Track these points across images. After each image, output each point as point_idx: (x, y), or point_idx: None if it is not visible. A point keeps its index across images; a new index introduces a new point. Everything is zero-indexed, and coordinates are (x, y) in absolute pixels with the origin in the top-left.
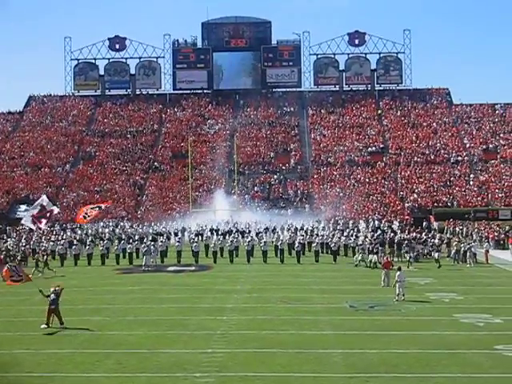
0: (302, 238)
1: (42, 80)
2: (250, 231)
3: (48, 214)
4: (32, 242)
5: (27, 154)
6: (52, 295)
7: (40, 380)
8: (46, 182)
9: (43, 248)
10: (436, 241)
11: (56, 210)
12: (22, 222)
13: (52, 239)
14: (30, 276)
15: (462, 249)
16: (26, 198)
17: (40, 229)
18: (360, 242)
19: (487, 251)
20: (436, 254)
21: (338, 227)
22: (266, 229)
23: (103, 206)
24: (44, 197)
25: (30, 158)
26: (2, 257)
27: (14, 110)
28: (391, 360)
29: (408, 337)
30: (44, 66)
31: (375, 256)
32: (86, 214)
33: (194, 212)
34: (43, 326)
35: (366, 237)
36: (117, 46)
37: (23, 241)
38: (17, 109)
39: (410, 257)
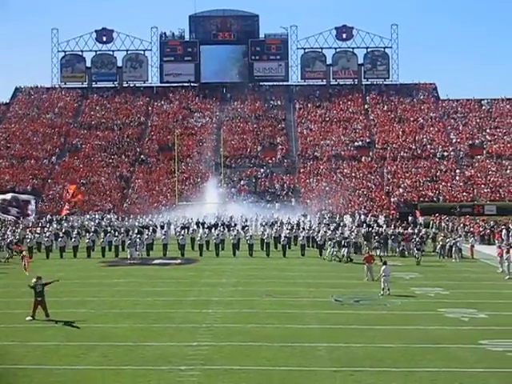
0: (288, 231)
1: (29, 72)
2: (235, 225)
3: (13, 202)
4: (17, 234)
5: (13, 146)
6: (38, 286)
7: (25, 372)
8: (32, 173)
9: (28, 240)
10: (417, 238)
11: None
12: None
13: (37, 231)
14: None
15: (448, 244)
16: (11, 190)
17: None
18: (346, 236)
19: (472, 246)
20: (415, 251)
21: (324, 221)
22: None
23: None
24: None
25: (16, 150)
26: None
27: (0, 101)
28: (376, 354)
29: (393, 331)
30: (31, 58)
31: (346, 249)
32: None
33: (180, 205)
34: (28, 318)
35: (351, 231)
36: (104, 39)
37: (8, 233)
38: (3, 100)
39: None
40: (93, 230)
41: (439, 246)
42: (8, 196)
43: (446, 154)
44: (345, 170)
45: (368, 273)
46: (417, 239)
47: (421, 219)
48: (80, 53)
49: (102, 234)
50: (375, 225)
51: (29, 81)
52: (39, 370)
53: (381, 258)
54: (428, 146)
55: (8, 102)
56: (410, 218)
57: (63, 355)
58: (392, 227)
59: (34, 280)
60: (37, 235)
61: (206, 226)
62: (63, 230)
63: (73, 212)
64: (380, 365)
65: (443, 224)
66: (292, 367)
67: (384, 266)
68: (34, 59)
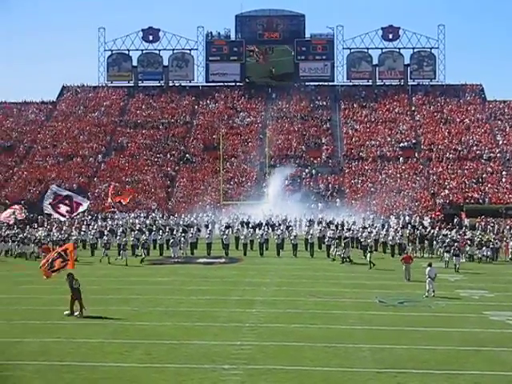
0: (332, 232)
1: (76, 70)
2: (280, 224)
3: (66, 201)
4: (63, 232)
5: (60, 144)
6: (74, 283)
7: (69, 368)
8: (78, 172)
9: (74, 238)
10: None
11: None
12: (45, 211)
13: (83, 229)
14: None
15: (494, 246)
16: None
17: (63, 216)
18: (390, 238)
19: None
20: (454, 258)
21: (369, 222)
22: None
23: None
24: (53, 186)
25: (63, 148)
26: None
27: (47, 99)
28: (420, 356)
29: (437, 333)
30: (78, 57)
31: (345, 250)
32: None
33: (224, 204)
34: (66, 312)
35: (396, 232)
36: (150, 38)
37: (54, 230)
38: (50, 99)
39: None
40: (137, 228)
41: (485, 248)
42: (64, 192)
43: (492, 155)
44: (390, 171)
45: (406, 273)
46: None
47: (466, 221)
48: (126, 52)
49: (147, 232)
50: (420, 226)
51: (76, 79)
52: (83, 367)
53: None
54: (474, 148)
55: (55, 100)
56: (455, 220)
57: (107, 352)
58: (437, 229)
59: (66, 278)
60: (82, 233)
61: (250, 225)
62: (108, 228)
63: (113, 211)
64: (424, 367)
65: (489, 226)
66: (335, 368)
67: (429, 268)
68: (80, 58)
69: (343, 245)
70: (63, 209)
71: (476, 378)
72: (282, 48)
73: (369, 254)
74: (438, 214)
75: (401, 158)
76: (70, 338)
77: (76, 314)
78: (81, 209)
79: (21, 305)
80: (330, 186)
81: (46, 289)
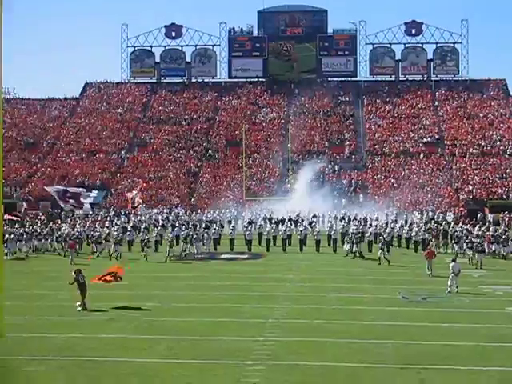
0: (355, 227)
1: (99, 67)
2: (303, 220)
3: (67, 194)
4: (86, 228)
5: (83, 140)
6: (80, 277)
7: (91, 364)
8: (101, 168)
9: (97, 234)
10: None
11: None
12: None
13: (106, 225)
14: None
15: None
16: (81, 184)
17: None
18: (414, 233)
19: None
20: (477, 255)
21: (392, 218)
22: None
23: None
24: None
25: (86, 144)
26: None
27: (70, 96)
28: (443, 352)
29: (460, 329)
30: (101, 53)
31: (356, 245)
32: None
33: (247, 200)
34: (79, 308)
35: (419, 228)
36: (173, 34)
37: (78, 226)
38: (73, 95)
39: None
40: (161, 223)
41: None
42: (60, 188)
43: None
44: (413, 167)
45: (429, 268)
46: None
47: (490, 217)
48: (149, 48)
49: (170, 228)
50: (443, 222)
51: (99, 76)
52: (107, 362)
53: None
54: (498, 143)
55: (78, 96)
56: (478, 216)
57: (130, 348)
58: (460, 224)
59: (73, 273)
60: (105, 229)
61: (273, 221)
62: (131, 224)
63: (136, 206)
64: (447, 363)
65: None
66: (358, 364)
67: (453, 263)
68: (103, 54)
69: (354, 240)
70: (71, 202)
71: (500, 374)
72: (303, 44)
73: (380, 251)
74: (461, 209)
75: (424, 154)
76: (93, 333)
77: (78, 308)
78: (81, 198)
79: (44, 300)
80: (353, 181)
81: (68, 285)
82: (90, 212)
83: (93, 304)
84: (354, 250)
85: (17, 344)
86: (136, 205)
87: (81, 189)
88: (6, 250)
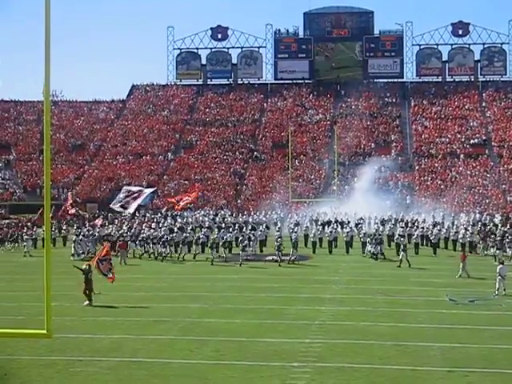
0: (401, 229)
1: (145, 69)
2: (349, 222)
3: (136, 195)
4: (133, 229)
5: (129, 142)
6: (90, 274)
7: (140, 365)
8: (148, 170)
9: (146, 236)
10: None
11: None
12: (112, 206)
13: (152, 226)
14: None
15: None
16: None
17: (130, 213)
18: (461, 235)
19: None
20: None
21: (438, 219)
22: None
23: (190, 198)
24: (129, 187)
25: (132, 146)
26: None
27: (117, 98)
28: (491, 355)
29: (509, 332)
30: (147, 56)
31: (376, 247)
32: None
33: (293, 202)
34: (86, 303)
35: (466, 230)
36: (219, 36)
37: (124, 228)
38: (120, 97)
39: None
40: (207, 225)
41: None
42: (123, 193)
43: None
44: (460, 168)
45: (462, 269)
46: None
47: None
48: (195, 50)
49: (216, 229)
50: (491, 224)
51: (145, 78)
52: (154, 363)
53: (495, 257)
54: None
55: (124, 98)
56: None
57: (177, 349)
58: (508, 226)
59: (86, 267)
60: (152, 230)
61: (319, 223)
62: (178, 226)
63: (186, 208)
64: (495, 366)
65: None
66: (404, 366)
67: (500, 266)
68: (150, 57)
69: (374, 241)
70: (133, 205)
71: None
72: (349, 45)
73: (402, 253)
74: (509, 211)
75: (471, 155)
76: (140, 334)
77: (85, 303)
78: (141, 198)
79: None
80: (400, 183)
81: (116, 286)
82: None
83: (138, 305)
84: (373, 251)
85: (64, 344)
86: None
87: (147, 190)
88: (73, 251)
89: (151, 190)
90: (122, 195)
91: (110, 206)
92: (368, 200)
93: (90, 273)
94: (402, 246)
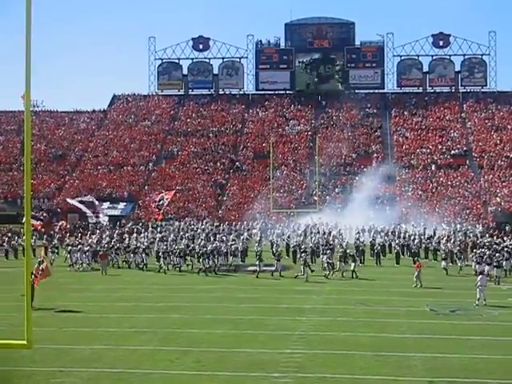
0: (382, 239)
1: (126, 79)
2: (330, 232)
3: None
4: (114, 240)
5: (110, 153)
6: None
7: (120, 376)
8: (129, 180)
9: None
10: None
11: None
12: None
13: (133, 236)
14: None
15: None
16: (108, 196)
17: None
18: (443, 246)
19: None
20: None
21: (419, 230)
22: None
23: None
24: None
25: (114, 157)
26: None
27: (98, 108)
28: (472, 365)
29: (490, 342)
30: (128, 66)
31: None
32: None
33: (274, 212)
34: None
35: (447, 240)
36: (200, 46)
37: (106, 238)
38: (101, 107)
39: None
40: (187, 236)
41: None
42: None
43: None
44: (441, 179)
45: (416, 278)
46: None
47: None
48: (177, 60)
49: (197, 240)
50: (471, 234)
51: (126, 88)
52: (134, 374)
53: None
54: None
55: (106, 109)
56: (507, 228)
57: (158, 360)
58: (487, 236)
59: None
60: (133, 240)
61: (300, 232)
62: (160, 236)
63: (168, 218)
64: (476, 376)
65: None
66: (386, 376)
67: (480, 276)
68: (131, 67)
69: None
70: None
71: None
72: (330, 56)
73: (353, 264)
74: (489, 222)
75: (452, 166)
76: (120, 345)
77: None
78: (96, 207)
79: (72, 312)
80: (381, 193)
81: (96, 296)
82: (105, 223)
83: (121, 316)
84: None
85: (45, 355)
86: (164, 204)
87: (90, 197)
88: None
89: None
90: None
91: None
92: (349, 210)
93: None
94: (350, 257)
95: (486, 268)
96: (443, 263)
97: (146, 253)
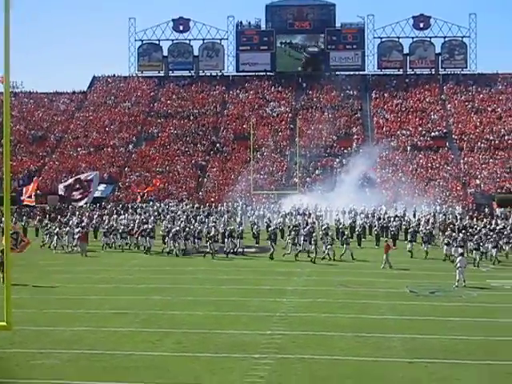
0: (362, 221)
1: (107, 61)
2: (310, 214)
3: (77, 185)
4: (94, 222)
5: (90, 134)
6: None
7: (101, 357)
8: (109, 161)
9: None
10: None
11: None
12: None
13: (113, 218)
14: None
15: None
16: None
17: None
18: (422, 228)
19: None
20: (494, 251)
21: (399, 211)
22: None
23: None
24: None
25: (94, 138)
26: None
27: (78, 89)
28: (451, 346)
29: (469, 323)
30: (108, 47)
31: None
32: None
33: (254, 194)
34: None
35: (426, 222)
36: (181, 28)
37: (85, 220)
38: (81, 89)
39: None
40: (168, 217)
41: None
42: (70, 181)
43: None
44: (421, 161)
45: (385, 260)
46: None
47: (498, 211)
48: (157, 42)
49: (178, 221)
50: (450, 216)
51: (106, 70)
52: (115, 356)
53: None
54: (506, 137)
55: (86, 90)
56: (486, 210)
57: (139, 341)
58: (467, 218)
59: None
60: (113, 222)
61: (280, 214)
62: (140, 217)
63: (148, 200)
64: (455, 357)
65: None
66: (365, 357)
67: (460, 257)
68: (111, 48)
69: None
70: (76, 194)
71: (509, 368)
72: (311, 38)
73: (329, 247)
74: (469, 203)
75: (432, 148)
76: (101, 326)
77: None
78: (93, 184)
79: (52, 294)
80: (361, 175)
81: (77, 278)
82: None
83: (101, 297)
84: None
85: (24, 337)
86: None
87: (93, 173)
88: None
89: (93, 173)
90: (68, 183)
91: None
92: (330, 192)
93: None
94: (327, 239)
95: (456, 250)
96: (423, 246)
97: (126, 235)
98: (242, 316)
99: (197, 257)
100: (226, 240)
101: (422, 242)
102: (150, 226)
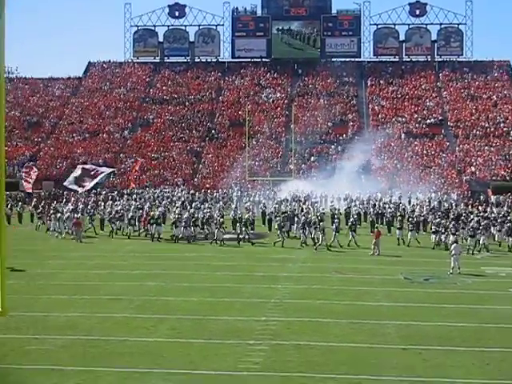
0: (357, 208)
1: (102, 46)
2: (305, 201)
3: (93, 173)
4: (89, 207)
5: (86, 120)
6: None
7: (95, 343)
8: (104, 147)
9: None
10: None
11: (106, 170)
12: (66, 185)
13: (108, 204)
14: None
15: None
16: (83, 164)
17: (88, 191)
18: (416, 214)
19: None
20: (481, 238)
21: (394, 198)
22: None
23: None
24: (84, 166)
25: (89, 124)
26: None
27: (73, 75)
28: (446, 333)
29: (463, 310)
30: (104, 33)
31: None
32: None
33: (249, 180)
34: None
35: (421, 208)
36: (176, 14)
37: (80, 205)
38: (76, 75)
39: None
40: (163, 203)
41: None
42: (78, 171)
43: None
44: (416, 148)
45: (375, 247)
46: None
47: (493, 198)
48: (152, 28)
49: (174, 207)
50: (445, 203)
51: (102, 55)
52: (109, 341)
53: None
54: (501, 124)
55: (81, 76)
56: (481, 197)
57: (133, 327)
58: (462, 205)
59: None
60: (108, 207)
61: (276, 201)
62: (136, 204)
63: (144, 186)
64: (449, 343)
65: None
66: (360, 344)
67: (454, 245)
68: (107, 34)
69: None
70: (88, 184)
71: (502, 355)
72: (307, 24)
73: (313, 231)
74: (464, 190)
75: (427, 135)
76: (95, 312)
77: None
78: (100, 177)
79: (47, 280)
80: (356, 162)
81: (72, 264)
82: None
83: (96, 283)
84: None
85: (19, 322)
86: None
87: (106, 169)
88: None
89: (109, 170)
90: (77, 173)
91: (64, 184)
92: (325, 179)
93: None
94: (307, 225)
95: (446, 237)
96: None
97: (122, 219)
98: (237, 302)
99: (196, 244)
100: (237, 227)
101: (409, 230)
102: (157, 213)
